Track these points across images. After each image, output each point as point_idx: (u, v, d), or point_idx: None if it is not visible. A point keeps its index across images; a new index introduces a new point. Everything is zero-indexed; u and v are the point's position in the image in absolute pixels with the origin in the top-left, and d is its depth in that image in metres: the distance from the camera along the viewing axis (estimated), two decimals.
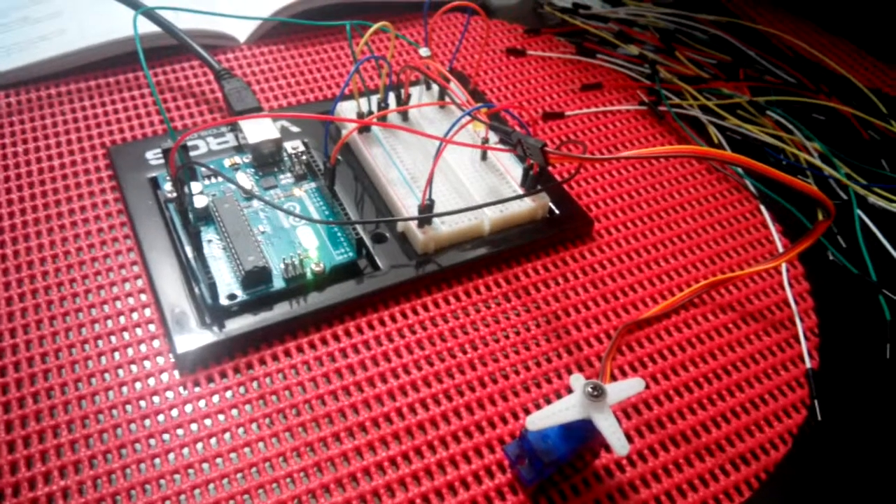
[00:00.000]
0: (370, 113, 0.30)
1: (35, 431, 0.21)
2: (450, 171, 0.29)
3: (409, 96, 0.30)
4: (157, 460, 0.21)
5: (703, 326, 0.26)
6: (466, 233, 0.27)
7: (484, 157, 0.29)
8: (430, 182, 0.25)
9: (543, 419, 0.19)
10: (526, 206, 0.28)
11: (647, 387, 0.24)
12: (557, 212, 0.29)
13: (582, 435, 0.20)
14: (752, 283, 0.28)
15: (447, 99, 0.31)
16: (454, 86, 0.30)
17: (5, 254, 0.25)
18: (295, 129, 0.30)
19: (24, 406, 0.22)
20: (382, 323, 0.25)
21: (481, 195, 0.28)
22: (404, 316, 0.25)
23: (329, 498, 0.21)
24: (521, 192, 0.28)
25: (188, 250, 0.25)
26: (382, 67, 0.29)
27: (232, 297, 0.24)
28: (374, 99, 0.30)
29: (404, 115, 0.31)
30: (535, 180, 0.28)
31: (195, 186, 0.26)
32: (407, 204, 0.27)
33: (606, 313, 0.26)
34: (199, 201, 0.26)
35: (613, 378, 0.24)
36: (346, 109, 0.30)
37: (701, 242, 0.29)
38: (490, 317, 0.26)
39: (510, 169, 0.29)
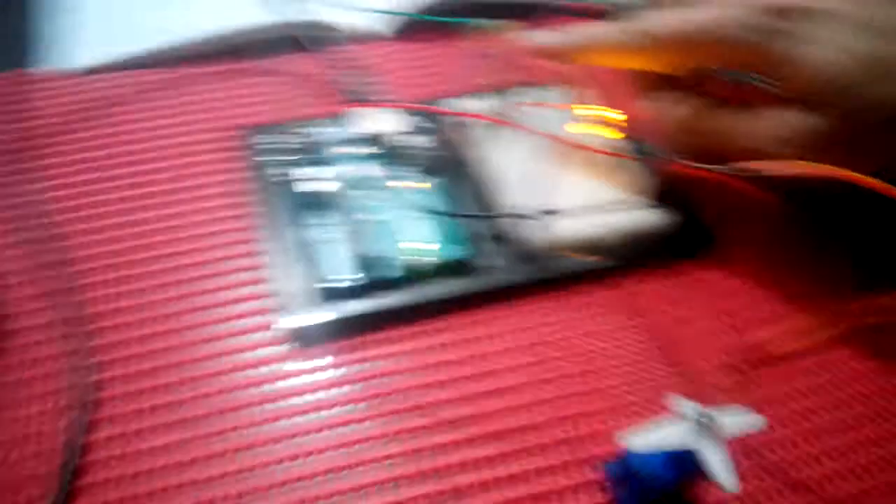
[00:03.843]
0: (498, 111, 0.29)
1: (151, 387, 0.23)
2: (574, 177, 0.28)
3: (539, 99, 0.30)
4: (266, 426, 0.22)
5: (848, 369, 0.24)
6: (586, 240, 0.26)
7: (611, 165, 0.28)
8: (551, 185, 0.25)
9: (645, 441, 0.18)
10: (649, 217, 0.27)
11: (768, 427, 0.22)
12: (682, 226, 0.27)
13: (687, 465, 0.18)
14: None
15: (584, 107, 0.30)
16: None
17: (146, 217, 0.27)
18: (427, 123, 0.30)
19: (142, 362, 0.23)
20: (491, 322, 0.25)
21: (604, 203, 0.27)
22: (513, 318, 0.25)
23: (420, 488, 0.21)
24: (645, 202, 0.27)
25: (309, 232, 0.26)
26: (515, 67, 0.28)
27: (347, 280, 0.24)
28: (503, 97, 0.30)
29: (531, 116, 0.30)
30: (661, 192, 0.27)
31: (322, 171, 0.27)
32: (528, 205, 0.26)
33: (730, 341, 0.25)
34: (326, 186, 0.27)
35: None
36: (476, 106, 0.30)
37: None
38: (601, 331, 0.25)
39: (637, 179, 0.28)
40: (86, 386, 0.22)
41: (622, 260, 0.26)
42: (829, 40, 0.23)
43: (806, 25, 0.23)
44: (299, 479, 0.21)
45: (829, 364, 0.24)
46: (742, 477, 0.21)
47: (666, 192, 0.27)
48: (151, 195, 0.28)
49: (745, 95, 0.25)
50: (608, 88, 0.31)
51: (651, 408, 0.23)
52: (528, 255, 0.26)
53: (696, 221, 0.28)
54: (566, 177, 0.28)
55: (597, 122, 0.27)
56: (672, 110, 0.27)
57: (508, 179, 0.28)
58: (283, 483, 0.21)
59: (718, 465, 0.17)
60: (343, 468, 0.21)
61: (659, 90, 0.27)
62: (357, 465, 0.21)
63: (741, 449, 0.22)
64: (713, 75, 0.26)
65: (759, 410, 0.22)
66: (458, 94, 0.33)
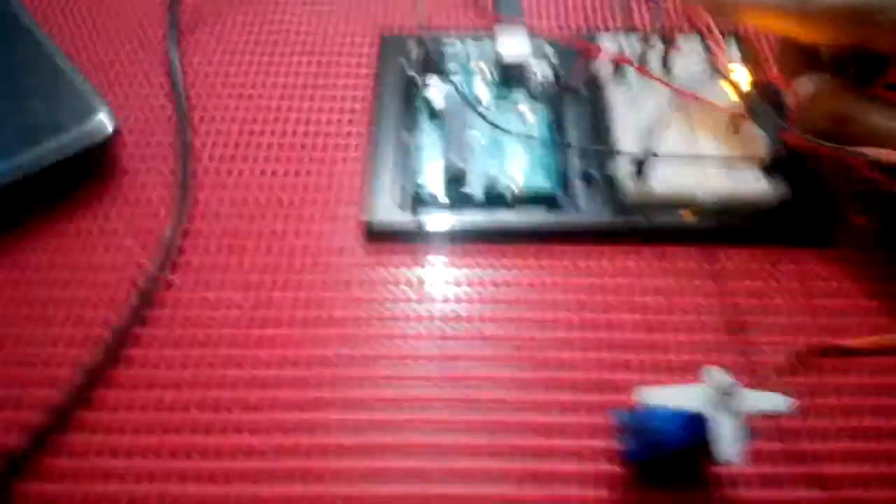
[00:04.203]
0: (632, 53, 0.28)
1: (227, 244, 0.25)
2: (689, 134, 0.27)
3: (674, 49, 0.28)
4: (329, 304, 0.24)
5: None
6: (682, 196, 0.25)
7: (736, 130, 0.27)
8: (662, 135, 0.24)
9: (657, 396, 0.18)
10: (759, 187, 0.25)
11: (796, 411, 0.21)
12: (792, 205, 0.25)
13: (699, 430, 0.18)
14: None
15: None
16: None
17: (269, 104, 0.29)
18: (549, 50, 0.30)
19: (225, 236, 0.26)
20: (562, 259, 0.25)
21: (713, 163, 0.26)
22: (589, 260, 0.25)
23: (458, 415, 0.22)
24: (759, 171, 0.25)
25: (417, 139, 0.27)
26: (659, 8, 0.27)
27: (430, 192, 0.25)
28: (645, 40, 0.29)
29: (664, 65, 0.29)
30: (780, 163, 0.25)
31: (437, 84, 0.28)
32: (632, 152, 0.26)
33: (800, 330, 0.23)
34: (435, 99, 0.27)
35: None
36: (607, 43, 0.29)
37: None
38: (673, 290, 0.24)
39: (757, 145, 0.26)
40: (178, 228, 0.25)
41: (718, 224, 0.25)
42: None
43: None
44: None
45: None
46: (768, 458, 0.21)
47: (783, 164, 0.25)
48: (282, 85, 0.30)
49: None
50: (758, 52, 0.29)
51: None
52: (619, 200, 0.26)
53: (810, 204, 0.26)
54: (680, 130, 0.27)
55: (731, 80, 0.26)
56: (816, 85, 0.25)
57: (621, 123, 0.27)
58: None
59: (725, 434, 0.17)
60: (389, 357, 0.23)
61: (809, 69, 0.25)
62: (401, 359, 0.23)
63: (778, 432, 0.21)
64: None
65: (807, 395, 0.22)
66: (598, 30, 0.32)
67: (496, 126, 0.27)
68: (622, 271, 0.25)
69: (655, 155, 0.25)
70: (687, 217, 0.25)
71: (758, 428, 0.21)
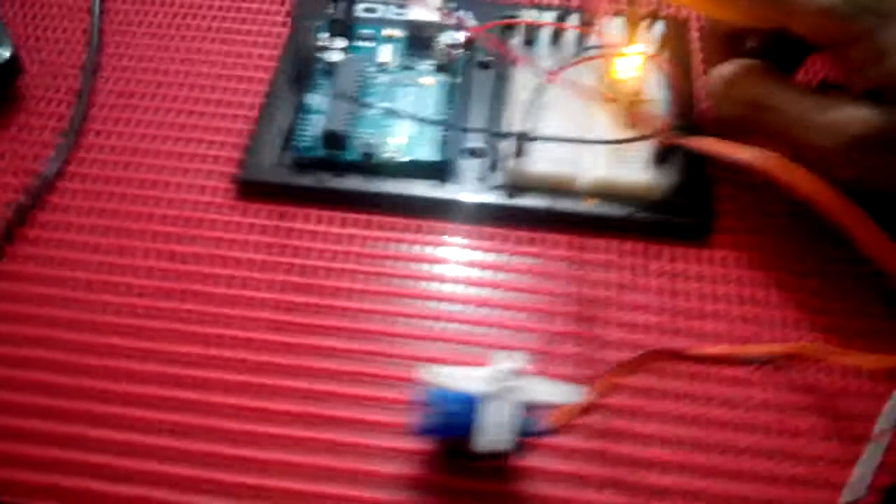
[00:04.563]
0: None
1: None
2: (586, 117, 0.26)
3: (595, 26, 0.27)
4: (192, 258, 0.24)
5: (760, 399, 0.21)
6: (562, 180, 0.24)
7: (633, 117, 0.26)
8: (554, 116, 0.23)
9: (443, 375, 0.18)
10: (643, 177, 0.24)
11: (584, 401, 0.20)
12: (683, 200, 0.24)
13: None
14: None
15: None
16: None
17: (178, 46, 0.29)
18: (471, 22, 0.29)
19: (99, 181, 0.26)
20: (435, 233, 0.24)
21: (603, 149, 0.25)
22: (459, 236, 0.24)
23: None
24: (647, 161, 0.24)
25: (310, 99, 0.27)
26: None
27: (309, 154, 0.25)
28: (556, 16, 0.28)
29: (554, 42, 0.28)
30: (662, 154, 0.24)
31: (340, 46, 0.28)
32: (517, 129, 0.25)
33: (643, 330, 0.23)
34: (331, 56, 0.27)
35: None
36: (528, 15, 0.28)
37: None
38: (537, 274, 0.24)
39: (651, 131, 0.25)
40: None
41: (597, 213, 0.24)
42: None
43: None
44: None
45: (748, 382, 0.22)
46: (582, 456, 0.20)
47: (675, 156, 0.24)
48: (196, 29, 0.30)
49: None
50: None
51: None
52: (501, 179, 0.25)
53: (693, 199, 0.25)
54: (575, 112, 0.26)
55: (629, 65, 0.25)
56: (728, 69, 0.24)
57: (514, 100, 0.26)
58: None
59: (488, 420, 0.17)
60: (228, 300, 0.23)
61: (732, 55, 0.24)
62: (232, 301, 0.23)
63: (599, 432, 0.20)
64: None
65: (641, 397, 0.21)
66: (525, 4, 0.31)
67: (396, 92, 0.26)
68: (491, 249, 0.24)
69: (527, 137, 0.24)
70: (589, 203, 0.25)
71: (578, 426, 0.20)
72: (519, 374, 0.17)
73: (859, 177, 0.21)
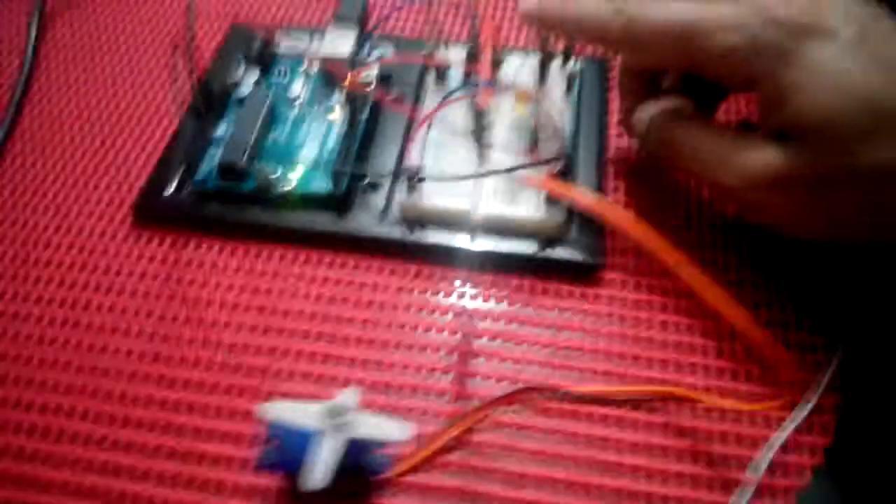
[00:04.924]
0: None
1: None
2: (486, 152, 0.26)
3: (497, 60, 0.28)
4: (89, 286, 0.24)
5: (628, 435, 0.21)
6: (454, 215, 0.24)
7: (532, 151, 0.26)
8: (417, 142, 0.23)
9: (276, 411, 0.17)
10: (536, 214, 0.24)
11: (412, 440, 0.19)
12: (573, 236, 0.24)
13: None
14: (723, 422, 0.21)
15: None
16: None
17: (106, 78, 0.30)
18: (384, 53, 0.29)
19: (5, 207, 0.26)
20: (312, 263, 0.25)
21: (500, 183, 0.25)
22: (345, 269, 0.25)
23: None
24: (542, 198, 0.24)
25: (214, 130, 0.27)
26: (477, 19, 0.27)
27: (204, 181, 0.25)
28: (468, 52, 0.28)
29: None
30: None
31: (253, 79, 0.28)
32: (421, 166, 0.25)
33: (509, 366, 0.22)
34: (243, 91, 0.27)
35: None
36: (453, 55, 0.29)
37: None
38: (420, 307, 0.24)
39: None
40: None
41: (490, 249, 0.24)
42: (826, 70, 0.19)
43: (805, 46, 0.19)
44: None
45: (622, 423, 0.21)
46: (434, 496, 0.20)
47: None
48: (123, 56, 0.31)
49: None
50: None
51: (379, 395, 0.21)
52: (394, 213, 0.25)
53: (584, 237, 0.24)
54: (475, 147, 0.26)
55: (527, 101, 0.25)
56: (651, 110, 0.24)
57: (417, 134, 0.26)
58: None
59: (318, 456, 0.16)
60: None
61: (649, 94, 0.24)
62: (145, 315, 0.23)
63: (461, 468, 0.20)
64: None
65: (505, 434, 0.21)
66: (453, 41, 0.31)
67: (301, 125, 0.26)
68: (378, 284, 0.24)
69: (418, 178, 0.24)
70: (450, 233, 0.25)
71: (438, 463, 0.20)
72: (351, 410, 0.17)
73: (774, 220, 0.21)
